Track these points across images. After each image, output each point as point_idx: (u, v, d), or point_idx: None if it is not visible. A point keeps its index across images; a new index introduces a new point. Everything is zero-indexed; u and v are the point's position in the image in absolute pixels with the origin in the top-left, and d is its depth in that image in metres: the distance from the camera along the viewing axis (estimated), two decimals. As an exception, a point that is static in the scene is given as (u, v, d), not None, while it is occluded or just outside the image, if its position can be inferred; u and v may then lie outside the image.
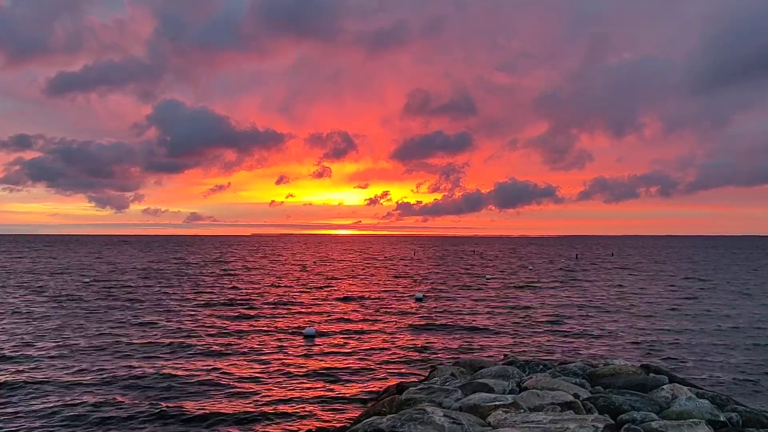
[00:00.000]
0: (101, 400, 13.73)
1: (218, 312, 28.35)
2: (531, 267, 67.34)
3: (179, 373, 16.34)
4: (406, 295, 37.09)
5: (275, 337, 21.87)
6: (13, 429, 11.91)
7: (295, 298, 34.61)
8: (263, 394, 14.41)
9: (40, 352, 18.91)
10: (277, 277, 51.00)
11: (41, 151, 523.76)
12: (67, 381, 15.37)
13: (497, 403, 9.34)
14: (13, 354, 18.55)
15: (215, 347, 19.88)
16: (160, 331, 22.79)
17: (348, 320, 26.27)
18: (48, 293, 36.27)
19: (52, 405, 13.32)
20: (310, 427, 12.15)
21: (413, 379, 15.15)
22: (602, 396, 10.04)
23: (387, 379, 15.84)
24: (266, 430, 12.01)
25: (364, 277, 52.97)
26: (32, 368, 16.71)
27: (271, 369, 16.97)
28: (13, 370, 16.51)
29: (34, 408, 13.12)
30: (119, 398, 13.90)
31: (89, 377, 15.78)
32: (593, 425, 8.02)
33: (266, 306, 30.73)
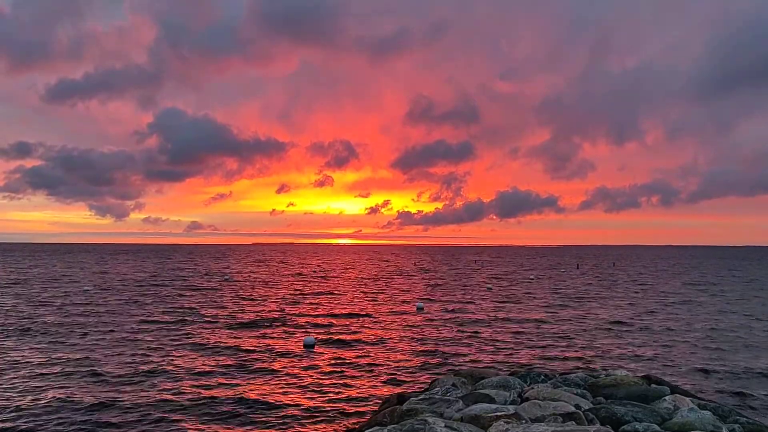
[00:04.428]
0: (102, 406, 13.71)
1: (217, 320, 28.28)
2: (532, 277, 67.25)
3: (175, 379, 16.31)
4: (406, 304, 37.02)
5: (274, 346, 21.81)
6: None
7: (294, 308, 34.55)
8: (262, 403, 14.35)
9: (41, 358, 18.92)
10: (276, 287, 50.95)
11: (41, 158, 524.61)
12: (67, 390, 15.36)
13: (498, 413, 9.32)
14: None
15: (213, 356, 19.83)
16: (157, 336, 22.74)
17: (348, 329, 26.21)
18: (49, 301, 36.24)
19: (51, 402, 13.32)
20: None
21: (414, 389, 15.10)
22: (604, 407, 10.01)
23: (388, 389, 15.79)
24: (266, 440, 11.97)
25: (364, 286, 52.89)
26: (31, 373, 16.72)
27: (270, 378, 16.92)
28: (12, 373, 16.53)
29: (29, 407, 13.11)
30: (114, 402, 13.92)
31: (88, 383, 15.76)
32: (595, 436, 7.99)
33: (265, 315, 30.67)
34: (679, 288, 52.00)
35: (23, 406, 13.78)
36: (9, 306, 34.04)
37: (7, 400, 14.36)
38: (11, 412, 13.40)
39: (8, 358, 19.17)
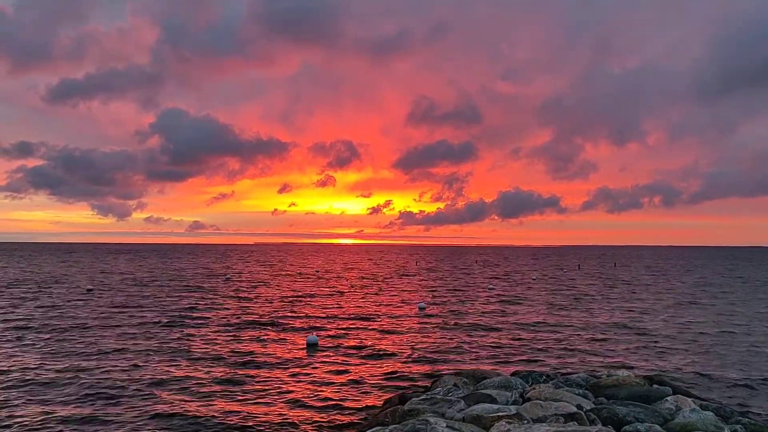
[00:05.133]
0: (101, 405, 13.75)
1: (219, 321, 28.32)
2: (534, 278, 67.22)
3: (179, 380, 16.33)
4: (408, 304, 37.02)
5: (277, 346, 21.84)
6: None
7: (296, 307, 34.58)
8: (264, 402, 14.37)
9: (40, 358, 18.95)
10: (278, 287, 50.98)
11: (43, 158, 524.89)
12: (72, 387, 15.39)
13: (500, 413, 9.33)
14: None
15: (216, 355, 19.86)
16: (159, 338, 22.78)
17: (350, 329, 26.23)
18: (46, 301, 36.33)
19: (47, 409, 13.33)
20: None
21: (416, 389, 15.11)
22: (606, 407, 10.02)
23: (389, 389, 15.79)
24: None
25: (365, 286, 52.91)
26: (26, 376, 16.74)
27: (272, 377, 16.94)
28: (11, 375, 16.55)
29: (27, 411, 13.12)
30: (111, 402, 13.95)
31: (91, 383, 15.78)
32: (597, 437, 7.99)
33: (268, 314, 30.70)
34: (680, 289, 51.94)
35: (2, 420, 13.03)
36: (4, 307, 34.11)
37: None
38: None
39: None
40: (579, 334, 25.38)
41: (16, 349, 20.91)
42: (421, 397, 11.18)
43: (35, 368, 17.75)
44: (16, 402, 14.22)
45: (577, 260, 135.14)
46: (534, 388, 11.42)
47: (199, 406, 14.03)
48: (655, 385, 12.05)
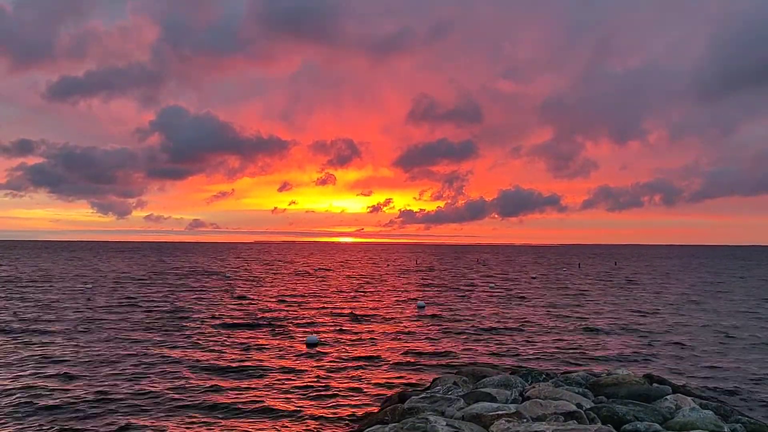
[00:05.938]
0: (98, 411, 13.73)
1: (217, 320, 28.32)
2: (534, 276, 67.22)
3: (174, 383, 16.33)
4: (407, 302, 37.03)
5: (276, 345, 21.84)
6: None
7: (296, 306, 34.58)
8: (263, 402, 14.37)
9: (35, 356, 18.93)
10: (277, 285, 50.99)
11: (44, 156, 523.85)
12: (64, 391, 15.38)
13: (500, 412, 9.33)
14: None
15: (212, 356, 19.86)
16: (155, 339, 22.78)
17: (349, 328, 26.23)
18: (42, 300, 36.33)
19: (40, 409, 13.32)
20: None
21: (415, 388, 15.11)
22: (605, 406, 10.01)
23: (389, 387, 15.80)
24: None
25: (365, 285, 52.91)
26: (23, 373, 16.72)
27: (272, 377, 16.94)
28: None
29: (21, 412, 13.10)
30: (98, 409, 13.77)
31: (86, 386, 15.78)
32: (596, 435, 7.99)
33: (267, 314, 30.70)
34: (681, 287, 51.94)
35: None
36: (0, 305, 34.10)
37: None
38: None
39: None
40: (579, 333, 25.38)
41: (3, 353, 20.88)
42: (420, 396, 11.18)
43: (21, 374, 17.23)
44: None
45: (578, 259, 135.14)
46: (534, 387, 11.43)
47: (197, 408, 14.03)
48: (654, 384, 12.06)
